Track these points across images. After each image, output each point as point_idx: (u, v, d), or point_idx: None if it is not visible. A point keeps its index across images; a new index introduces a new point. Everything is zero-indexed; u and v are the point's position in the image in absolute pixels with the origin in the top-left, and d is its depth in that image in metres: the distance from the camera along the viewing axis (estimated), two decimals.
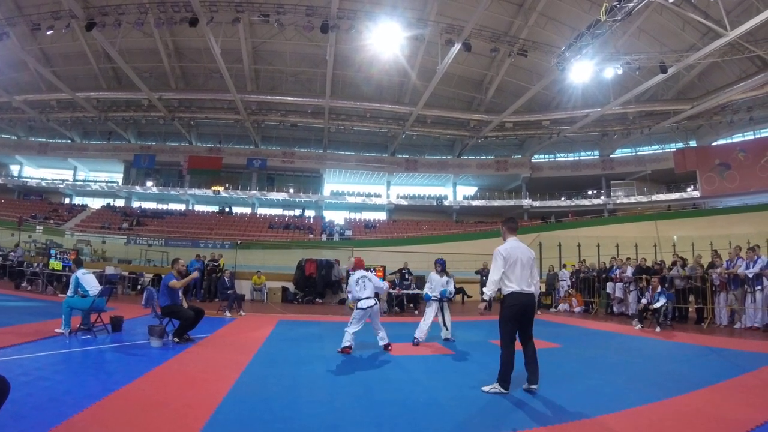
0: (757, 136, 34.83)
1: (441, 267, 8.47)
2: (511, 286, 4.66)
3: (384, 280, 13.50)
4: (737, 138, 35.98)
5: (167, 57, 30.81)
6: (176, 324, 7.31)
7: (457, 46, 24.07)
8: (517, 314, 4.66)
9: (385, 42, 24.55)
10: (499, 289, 4.83)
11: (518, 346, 4.77)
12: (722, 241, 15.25)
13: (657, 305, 9.95)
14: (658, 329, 9.63)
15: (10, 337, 6.44)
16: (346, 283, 14.95)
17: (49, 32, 24.85)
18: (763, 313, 9.71)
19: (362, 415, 4.01)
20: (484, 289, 4.93)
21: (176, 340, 7.10)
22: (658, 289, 10.33)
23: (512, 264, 4.70)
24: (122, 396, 4.24)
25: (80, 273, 7.65)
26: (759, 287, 9.73)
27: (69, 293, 7.59)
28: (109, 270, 15.63)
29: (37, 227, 27.58)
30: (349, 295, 7.40)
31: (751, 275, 9.80)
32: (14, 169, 43.84)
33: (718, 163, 34.30)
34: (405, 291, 14.61)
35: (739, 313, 10.31)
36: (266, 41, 30.03)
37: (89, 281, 7.62)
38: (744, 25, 20.50)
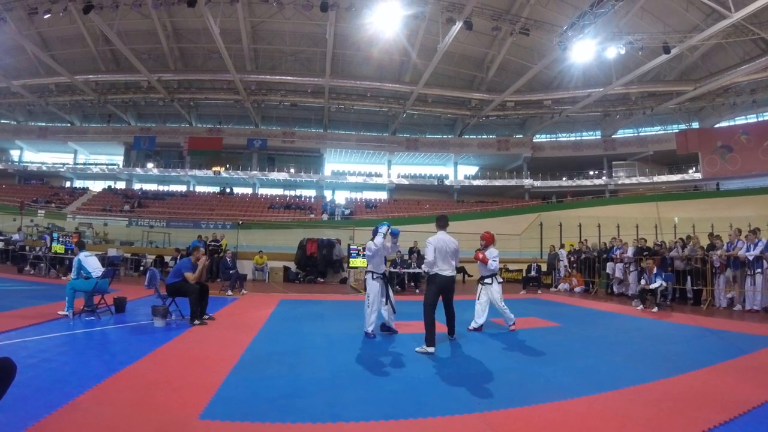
0: (760, 119, 34.47)
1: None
2: (435, 269, 6.10)
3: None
4: (740, 120, 35.67)
5: (166, 38, 30.41)
6: (179, 304, 7.32)
7: (458, 25, 23.68)
8: (440, 290, 6.15)
9: (385, 20, 24.08)
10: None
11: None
12: (723, 224, 15.26)
13: (653, 286, 10.03)
14: (655, 309, 9.71)
15: (15, 321, 6.49)
16: (348, 262, 15.20)
17: (46, 16, 24.59)
18: (763, 296, 9.76)
19: (364, 393, 4.06)
20: (423, 266, 6.69)
21: (197, 322, 6.97)
22: (654, 270, 10.40)
23: (438, 252, 6.07)
24: (126, 376, 4.29)
25: (83, 256, 7.67)
26: (759, 270, 9.76)
27: (72, 276, 7.63)
28: (112, 252, 15.68)
29: (39, 211, 27.59)
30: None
31: (751, 258, 9.83)
32: (14, 154, 43.53)
33: (720, 145, 34.10)
34: (406, 270, 14.83)
35: (738, 295, 10.35)
36: (265, 21, 29.63)
37: (92, 264, 7.66)
38: (748, 7, 20.27)
